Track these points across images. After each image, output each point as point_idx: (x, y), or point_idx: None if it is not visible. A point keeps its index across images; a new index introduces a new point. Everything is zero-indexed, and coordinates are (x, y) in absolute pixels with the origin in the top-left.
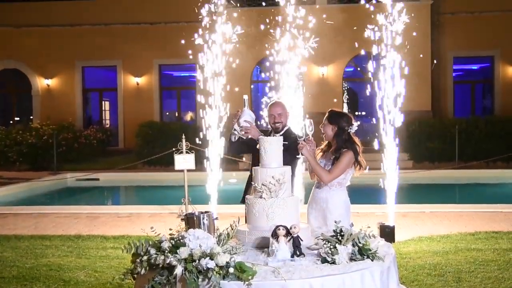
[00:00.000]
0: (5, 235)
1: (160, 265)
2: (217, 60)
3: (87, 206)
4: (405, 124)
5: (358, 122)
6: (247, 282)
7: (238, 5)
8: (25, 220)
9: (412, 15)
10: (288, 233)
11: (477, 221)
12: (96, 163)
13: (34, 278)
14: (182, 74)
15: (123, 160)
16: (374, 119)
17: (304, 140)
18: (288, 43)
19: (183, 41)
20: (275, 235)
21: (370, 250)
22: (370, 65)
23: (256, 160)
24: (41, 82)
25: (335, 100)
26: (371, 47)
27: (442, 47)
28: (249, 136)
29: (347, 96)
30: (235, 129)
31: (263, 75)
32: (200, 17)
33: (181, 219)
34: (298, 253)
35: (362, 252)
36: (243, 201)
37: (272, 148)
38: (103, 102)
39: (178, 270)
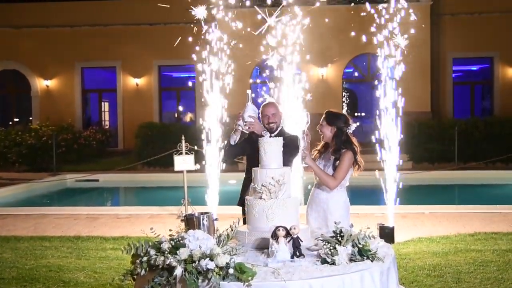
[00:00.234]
0: (4, 236)
1: (160, 266)
2: (217, 61)
3: (87, 207)
4: (405, 125)
5: (357, 123)
6: (247, 283)
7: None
8: (24, 221)
9: (412, 15)
10: (288, 234)
11: (476, 222)
12: (96, 164)
13: (33, 279)
14: (182, 75)
15: (123, 161)
16: (373, 120)
17: (303, 136)
18: (287, 44)
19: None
20: (274, 236)
21: (370, 251)
22: (370, 66)
23: (251, 162)
24: (41, 83)
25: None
26: (371, 48)
27: (441, 48)
28: (253, 131)
29: (346, 97)
30: (239, 124)
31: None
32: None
33: (181, 220)
34: (298, 254)
35: (362, 253)
36: (240, 204)
37: (271, 149)
38: (102, 103)
39: (178, 271)
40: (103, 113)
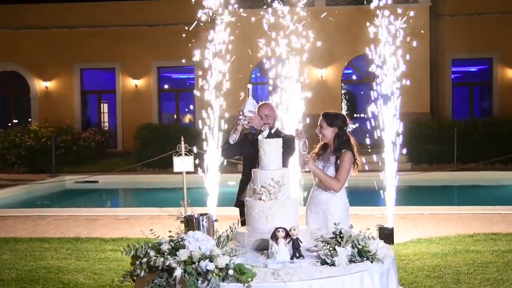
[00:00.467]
0: (4, 238)
1: (160, 267)
2: (216, 62)
3: (86, 208)
4: (404, 126)
5: (357, 124)
6: (246, 284)
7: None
8: (24, 222)
9: (411, 16)
10: (287, 235)
11: (475, 223)
12: (95, 165)
13: (33, 281)
14: (181, 76)
15: (122, 162)
16: (373, 121)
17: (297, 134)
18: (286, 45)
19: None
20: (274, 237)
21: (370, 252)
22: (369, 67)
23: (248, 163)
24: (40, 85)
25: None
26: (370, 49)
27: (441, 49)
28: (253, 126)
29: (346, 98)
30: (240, 119)
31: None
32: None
33: (181, 221)
34: (297, 255)
35: (362, 254)
36: (236, 205)
37: (271, 150)
38: (101, 104)
39: (178, 272)
40: (102, 114)
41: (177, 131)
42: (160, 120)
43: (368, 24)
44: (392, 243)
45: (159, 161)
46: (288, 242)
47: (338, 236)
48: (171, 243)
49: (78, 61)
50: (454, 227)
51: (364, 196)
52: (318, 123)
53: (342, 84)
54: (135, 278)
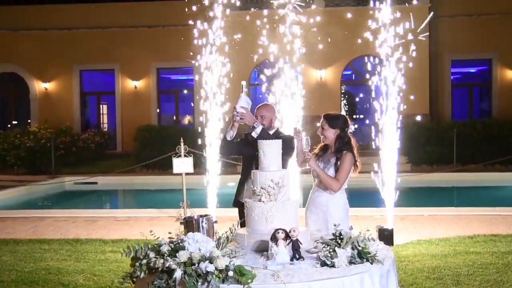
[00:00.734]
0: (3, 239)
1: (160, 269)
2: (215, 64)
3: (86, 209)
4: (403, 127)
5: (356, 126)
6: (246, 286)
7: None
8: (23, 224)
9: (410, 17)
10: (287, 236)
11: (475, 224)
12: (94, 166)
13: (33, 282)
14: (180, 78)
15: (121, 164)
16: (372, 123)
17: (295, 133)
18: (286, 47)
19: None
20: (274, 238)
21: (370, 254)
22: (368, 69)
23: (247, 164)
24: (39, 86)
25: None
26: (369, 50)
27: (440, 50)
28: (245, 123)
29: (345, 100)
30: (233, 115)
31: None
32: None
33: (180, 222)
34: (297, 256)
35: (362, 256)
36: (234, 204)
37: (271, 151)
38: (101, 105)
39: (178, 274)
40: (101, 115)
41: (177, 132)
42: (159, 122)
43: (367, 25)
44: (392, 244)
45: (159, 163)
46: (288, 244)
47: (338, 238)
48: (171, 244)
49: (78, 62)
50: (454, 228)
51: (363, 197)
52: (320, 125)
53: (342, 86)
54: (135, 279)
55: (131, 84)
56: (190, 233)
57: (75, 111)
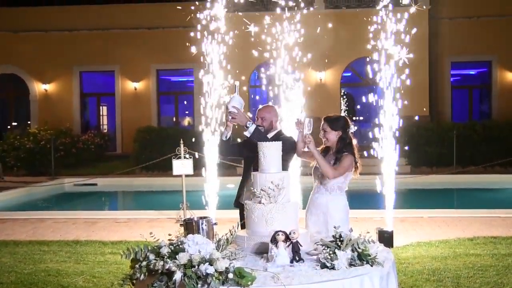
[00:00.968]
0: (3, 241)
1: (159, 271)
2: (214, 65)
3: (85, 211)
4: (403, 129)
5: (356, 127)
6: None
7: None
8: (23, 225)
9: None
10: (287, 238)
11: (475, 226)
12: (94, 168)
13: (32, 284)
14: (180, 79)
15: (121, 165)
16: (372, 124)
17: (297, 124)
18: (285, 48)
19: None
20: (274, 240)
21: (370, 256)
22: (368, 70)
23: (248, 165)
24: (39, 87)
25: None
26: (369, 52)
27: (440, 52)
28: (236, 123)
29: (345, 101)
30: (226, 115)
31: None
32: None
33: (180, 224)
34: (297, 258)
35: (362, 258)
36: (236, 205)
37: (271, 153)
38: (101, 107)
39: (177, 276)
40: (101, 117)
41: (177, 134)
42: (159, 123)
43: (367, 27)
44: (392, 246)
45: (158, 164)
46: (288, 246)
47: (338, 240)
48: (170, 246)
49: (78, 63)
50: (454, 230)
51: (363, 199)
52: (321, 128)
53: (341, 87)
54: (134, 281)
55: (131, 85)
56: (190, 235)
57: (75, 113)
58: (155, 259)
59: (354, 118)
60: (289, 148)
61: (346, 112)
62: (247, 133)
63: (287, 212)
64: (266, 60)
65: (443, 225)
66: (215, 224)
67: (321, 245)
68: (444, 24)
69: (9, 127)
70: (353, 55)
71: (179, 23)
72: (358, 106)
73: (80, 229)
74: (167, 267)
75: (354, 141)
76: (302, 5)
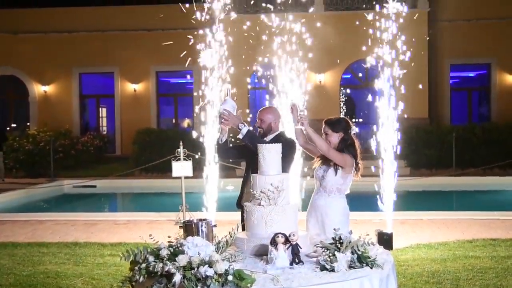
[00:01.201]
0: (2, 242)
1: (159, 273)
2: (214, 67)
3: (84, 213)
4: (402, 131)
5: (357, 129)
6: None
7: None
8: (22, 227)
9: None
10: (287, 240)
11: (474, 228)
12: (93, 170)
13: (31, 286)
14: (179, 81)
15: (120, 167)
16: (371, 126)
17: (292, 107)
18: (285, 50)
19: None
20: (274, 242)
21: (369, 258)
22: (367, 72)
23: (250, 166)
24: (38, 89)
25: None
26: (368, 54)
27: (439, 54)
28: (228, 125)
29: (344, 103)
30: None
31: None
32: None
33: (179, 226)
34: (297, 260)
35: (361, 260)
36: (238, 206)
37: (270, 155)
38: (100, 108)
39: (177, 278)
40: (100, 118)
41: (176, 135)
42: (158, 125)
43: (367, 29)
44: (391, 249)
45: (158, 166)
46: (288, 248)
47: (337, 242)
48: (170, 248)
49: (77, 65)
50: (453, 233)
51: (362, 201)
52: (322, 131)
53: (341, 89)
54: (134, 283)
55: (131, 87)
56: (190, 237)
57: (74, 114)
58: (154, 261)
59: (353, 120)
60: (289, 150)
61: (345, 113)
62: (239, 135)
63: (286, 214)
64: (265, 62)
65: (442, 227)
66: (215, 226)
67: (320, 247)
68: (444, 27)
69: (8, 128)
70: (353, 57)
71: (179, 24)
72: (357, 102)
73: (79, 231)
74: (166, 269)
75: (357, 143)
76: (302, 7)
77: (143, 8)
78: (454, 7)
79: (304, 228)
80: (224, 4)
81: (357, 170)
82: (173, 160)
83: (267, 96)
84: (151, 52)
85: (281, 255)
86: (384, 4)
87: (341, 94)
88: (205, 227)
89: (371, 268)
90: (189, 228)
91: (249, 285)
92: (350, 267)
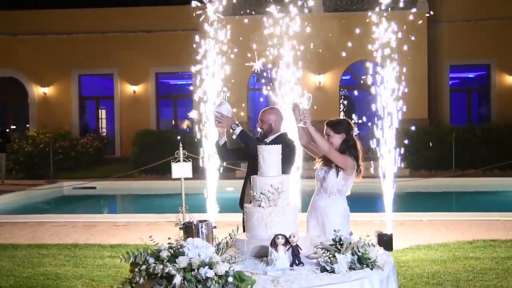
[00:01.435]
0: (1, 244)
1: (159, 275)
2: (214, 69)
3: (84, 214)
4: (402, 132)
5: (358, 131)
6: None
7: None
8: (22, 228)
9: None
10: (287, 242)
11: (474, 229)
12: (93, 171)
13: (31, 287)
14: (179, 82)
15: (120, 169)
16: (371, 127)
17: (293, 107)
18: (284, 52)
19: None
20: (274, 244)
21: (370, 259)
22: (367, 73)
23: (251, 168)
24: (38, 90)
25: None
26: (368, 55)
27: (438, 55)
28: (223, 127)
29: (344, 104)
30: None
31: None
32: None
33: (179, 228)
34: (297, 262)
35: (362, 261)
36: (240, 204)
37: (270, 156)
38: (99, 110)
39: (177, 280)
40: (100, 120)
41: (175, 137)
42: (158, 126)
43: (366, 30)
44: (391, 250)
45: (157, 167)
46: (288, 249)
47: (338, 243)
48: (170, 250)
49: (76, 67)
50: (453, 234)
51: (362, 202)
52: (324, 133)
53: (341, 90)
54: (134, 285)
55: (130, 88)
56: (190, 239)
57: (73, 116)
58: (154, 263)
59: (353, 121)
60: (289, 151)
61: (345, 113)
62: (233, 136)
63: (286, 216)
64: (265, 63)
65: (442, 228)
66: (215, 227)
67: (321, 248)
68: (443, 28)
69: (8, 130)
70: (353, 58)
71: (178, 26)
72: (356, 103)
73: (79, 232)
74: (166, 271)
75: (359, 145)
76: (301, 8)
77: (142, 9)
78: (454, 8)
79: (304, 229)
80: (224, 5)
81: (358, 172)
82: (172, 161)
83: (267, 97)
84: (151, 53)
85: (281, 256)
86: (384, 6)
87: (340, 96)
88: (205, 228)
89: (372, 269)
90: (189, 230)
91: (249, 286)
92: (351, 268)
